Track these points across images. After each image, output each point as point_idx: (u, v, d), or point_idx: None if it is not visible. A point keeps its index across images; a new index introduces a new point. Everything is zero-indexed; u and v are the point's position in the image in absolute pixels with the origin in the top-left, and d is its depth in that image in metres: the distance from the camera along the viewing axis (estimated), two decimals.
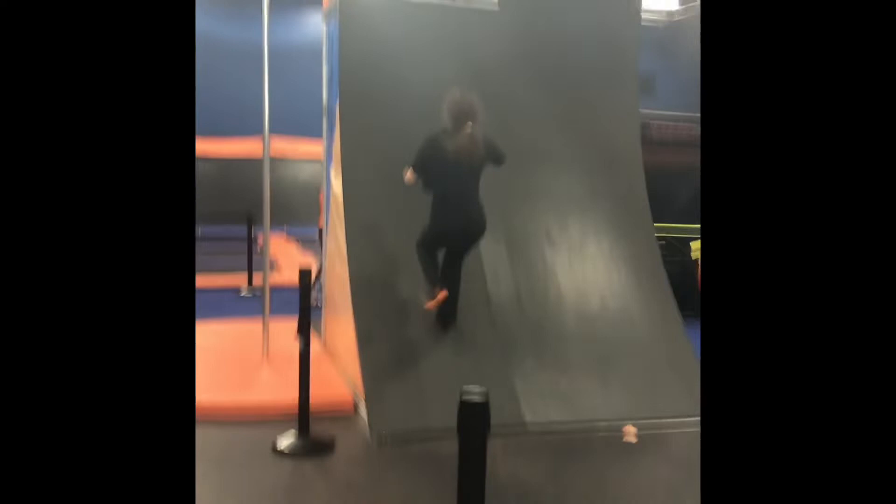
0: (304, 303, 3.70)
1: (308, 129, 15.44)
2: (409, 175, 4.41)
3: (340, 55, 4.99)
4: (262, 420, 4.42)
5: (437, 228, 4.44)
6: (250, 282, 9.28)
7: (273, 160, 5.37)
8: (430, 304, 4.46)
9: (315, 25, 17.41)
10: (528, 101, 5.31)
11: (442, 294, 4.41)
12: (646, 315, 5.12)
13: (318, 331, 5.97)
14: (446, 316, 4.63)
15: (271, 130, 5.07)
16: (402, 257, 4.90)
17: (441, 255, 4.57)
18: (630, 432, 4.36)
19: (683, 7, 15.69)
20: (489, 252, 5.05)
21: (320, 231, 6.61)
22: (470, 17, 5.20)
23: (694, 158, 7.21)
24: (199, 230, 13.65)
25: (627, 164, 5.49)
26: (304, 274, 3.82)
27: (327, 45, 5.60)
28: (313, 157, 15.31)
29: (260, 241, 10.44)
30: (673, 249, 7.83)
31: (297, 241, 13.50)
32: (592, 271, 5.20)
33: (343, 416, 4.55)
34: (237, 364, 5.38)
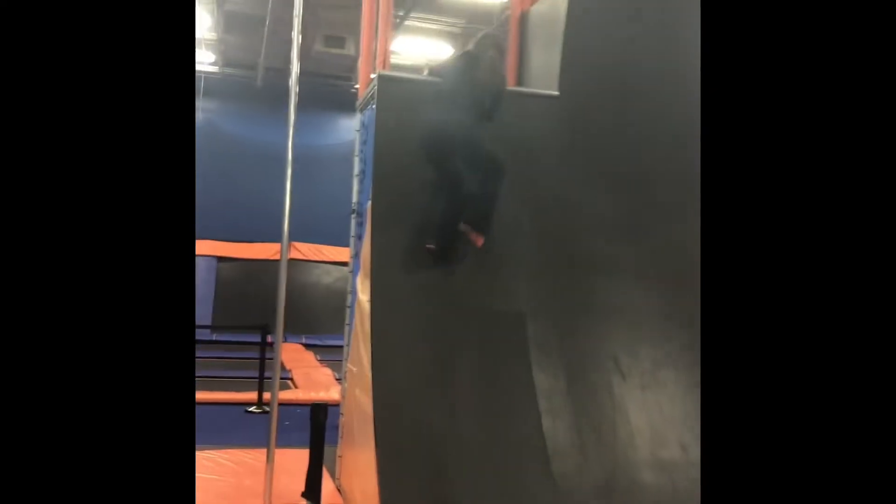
0: (315, 453, 2.81)
1: (335, 235, 14.93)
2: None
3: (375, 147, 4.31)
4: None
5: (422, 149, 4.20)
6: (260, 398, 8.38)
7: (294, 263, 4.98)
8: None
9: (346, 130, 17.29)
10: (589, 201, 4.56)
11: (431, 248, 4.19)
12: None
13: (331, 467, 5.02)
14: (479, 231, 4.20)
15: (296, 237, 4.43)
16: (435, 385, 4.04)
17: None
18: None
19: None
20: (543, 380, 4.17)
21: None
22: (526, 103, 4.53)
23: None
24: (213, 337, 12.88)
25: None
26: (318, 410, 2.95)
27: (360, 137, 4.95)
28: (338, 260, 14.74)
29: (282, 357, 9.62)
30: None
31: (315, 352, 12.63)
32: (669, 407, 4.27)
33: None
34: None
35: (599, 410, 4.16)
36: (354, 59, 14.69)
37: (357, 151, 5.00)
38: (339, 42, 13.02)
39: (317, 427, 2.95)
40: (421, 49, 13.17)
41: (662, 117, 4.73)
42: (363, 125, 4.92)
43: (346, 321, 5.02)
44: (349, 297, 5.11)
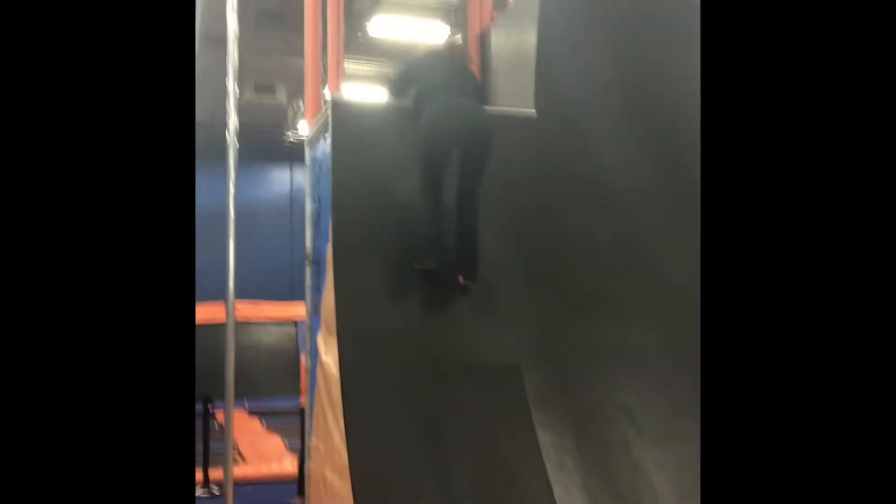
0: None
1: (274, 292, 14.03)
2: None
3: (333, 182, 3.70)
4: None
5: (429, 140, 3.58)
6: (206, 478, 7.44)
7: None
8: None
9: (280, 182, 16.58)
10: (580, 232, 4.03)
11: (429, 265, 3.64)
12: None
13: None
14: (465, 272, 3.64)
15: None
16: (425, 458, 3.39)
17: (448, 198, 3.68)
18: None
19: None
20: (549, 442, 3.55)
21: (302, 411, 5.05)
22: (500, 125, 3.99)
23: None
24: None
25: None
26: None
27: (311, 174, 4.33)
28: (279, 319, 13.84)
29: (220, 418, 8.65)
30: None
31: (261, 417, 11.65)
32: (695, 463, 3.69)
33: None
34: None
35: (616, 473, 3.56)
36: (285, 108, 14.10)
37: (308, 191, 4.37)
38: (269, 89, 12.40)
39: None
40: (355, 95, 12.70)
41: (652, 135, 4.28)
42: (314, 161, 4.31)
43: (308, 388, 4.32)
44: (308, 360, 4.42)
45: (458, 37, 4.25)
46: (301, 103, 13.02)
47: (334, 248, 3.68)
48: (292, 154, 14.62)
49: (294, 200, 15.51)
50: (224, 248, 4.34)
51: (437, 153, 3.60)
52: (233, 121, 4.17)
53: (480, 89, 3.93)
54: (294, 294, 13.67)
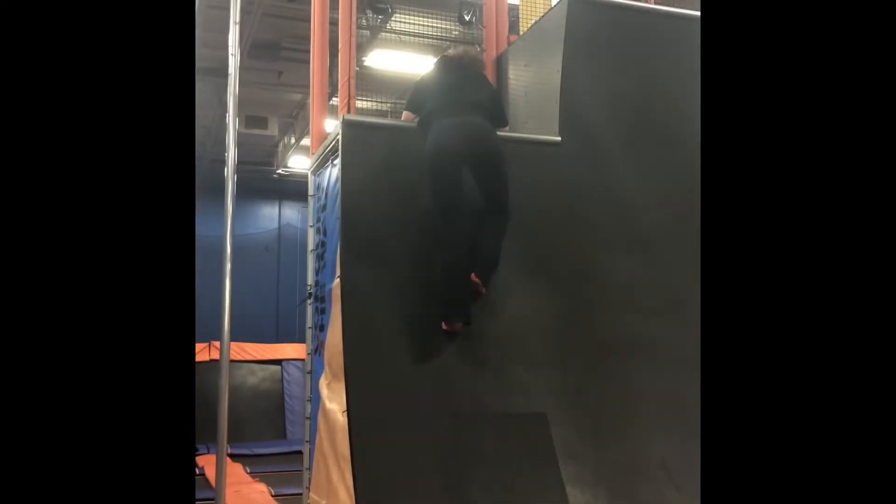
0: None
1: (259, 331, 13.57)
2: (405, 115, 3.63)
3: (343, 209, 3.38)
4: None
5: (434, 168, 3.30)
6: None
7: (216, 364, 4.51)
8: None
9: (267, 218, 16.20)
10: (611, 268, 3.73)
11: (459, 326, 3.29)
12: None
13: None
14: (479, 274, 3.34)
15: (217, 336, 4.11)
16: None
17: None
18: None
19: None
20: (578, 495, 3.20)
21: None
22: (522, 151, 3.70)
23: None
24: None
25: None
26: None
27: (315, 203, 4.01)
28: (264, 358, 13.37)
29: (207, 471, 8.17)
30: None
31: (244, 463, 11.11)
32: None
33: None
34: None
35: None
36: (276, 142, 13.83)
37: (311, 221, 4.05)
38: (261, 122, 12.13)
39: None
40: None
41: (683, 165, 4.01)
42: (319, 189, 3.99)
43: (310, 433, 3.94)
44: (307, 406, 4.04)
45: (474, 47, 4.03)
46: (293, 138, 12.76)
47: (342, 282, 3.34)
48: (282, 189, 14.31)
49: (283, 237, 15.13)
50: (210, 287, 4.15)
51: (447, 176, 3.30)
52: (232, 155, 4.03)
53: (494, 99, 3.63)
54: (280, 336, 13.21)
